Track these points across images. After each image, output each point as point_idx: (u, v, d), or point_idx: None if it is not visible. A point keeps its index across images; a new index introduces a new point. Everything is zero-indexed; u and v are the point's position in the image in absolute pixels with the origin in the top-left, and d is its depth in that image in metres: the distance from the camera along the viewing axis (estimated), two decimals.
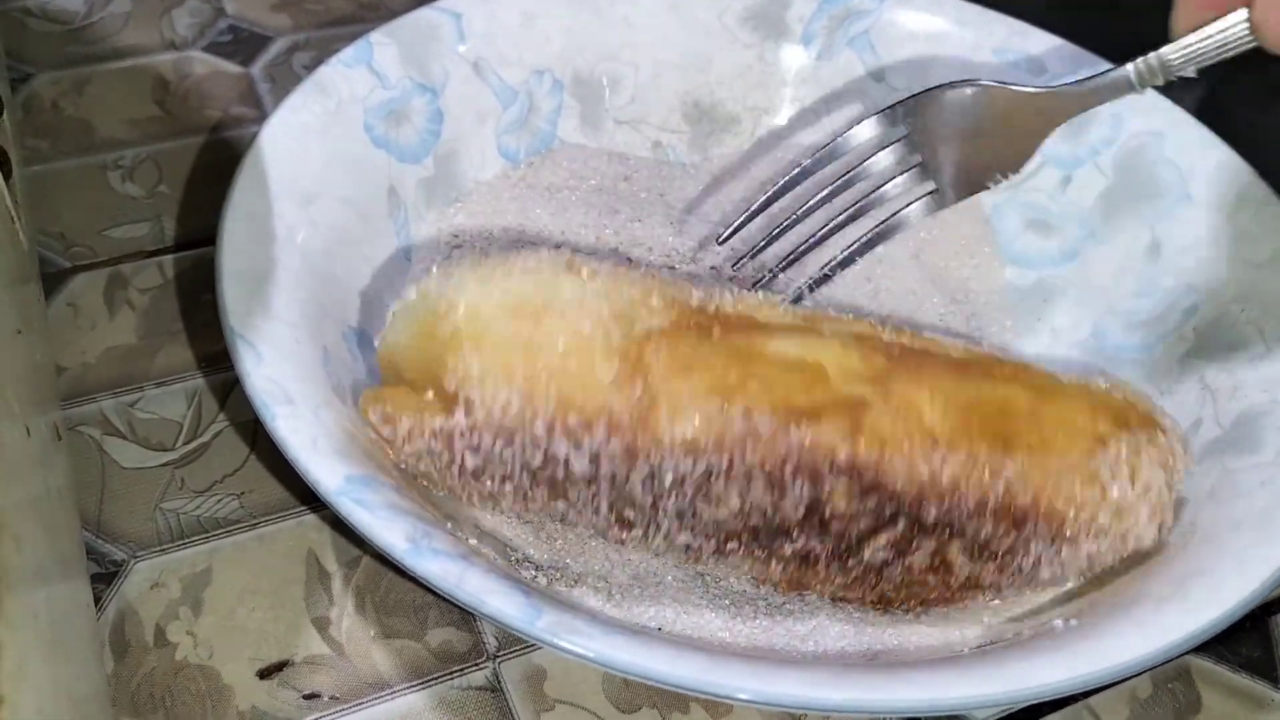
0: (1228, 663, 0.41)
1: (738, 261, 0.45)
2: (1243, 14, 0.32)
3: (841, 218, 0.39)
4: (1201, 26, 0.33)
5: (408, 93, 0.48)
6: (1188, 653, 0.40)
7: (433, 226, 0.48)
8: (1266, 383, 0.41)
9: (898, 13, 0.53)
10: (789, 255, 0.42)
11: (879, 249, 0.47)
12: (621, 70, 0.53)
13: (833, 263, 0.41)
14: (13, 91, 0.57)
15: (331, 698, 0.37)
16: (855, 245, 0.39)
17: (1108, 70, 0.37)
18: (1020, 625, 0.37)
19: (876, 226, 0.39)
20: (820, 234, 0.40)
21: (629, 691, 0.38)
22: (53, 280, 0.49)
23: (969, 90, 0.38)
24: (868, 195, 0.39)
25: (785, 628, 0.38)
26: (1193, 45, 0.34)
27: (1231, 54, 0.33)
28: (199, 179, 0.54)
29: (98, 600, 0.39)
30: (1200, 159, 0.46)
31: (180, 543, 0.41)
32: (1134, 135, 0.48)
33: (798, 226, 0.41)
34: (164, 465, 0.43)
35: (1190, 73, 0.36)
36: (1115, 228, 0.48)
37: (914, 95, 0.38)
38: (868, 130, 0.39)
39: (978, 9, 0.53)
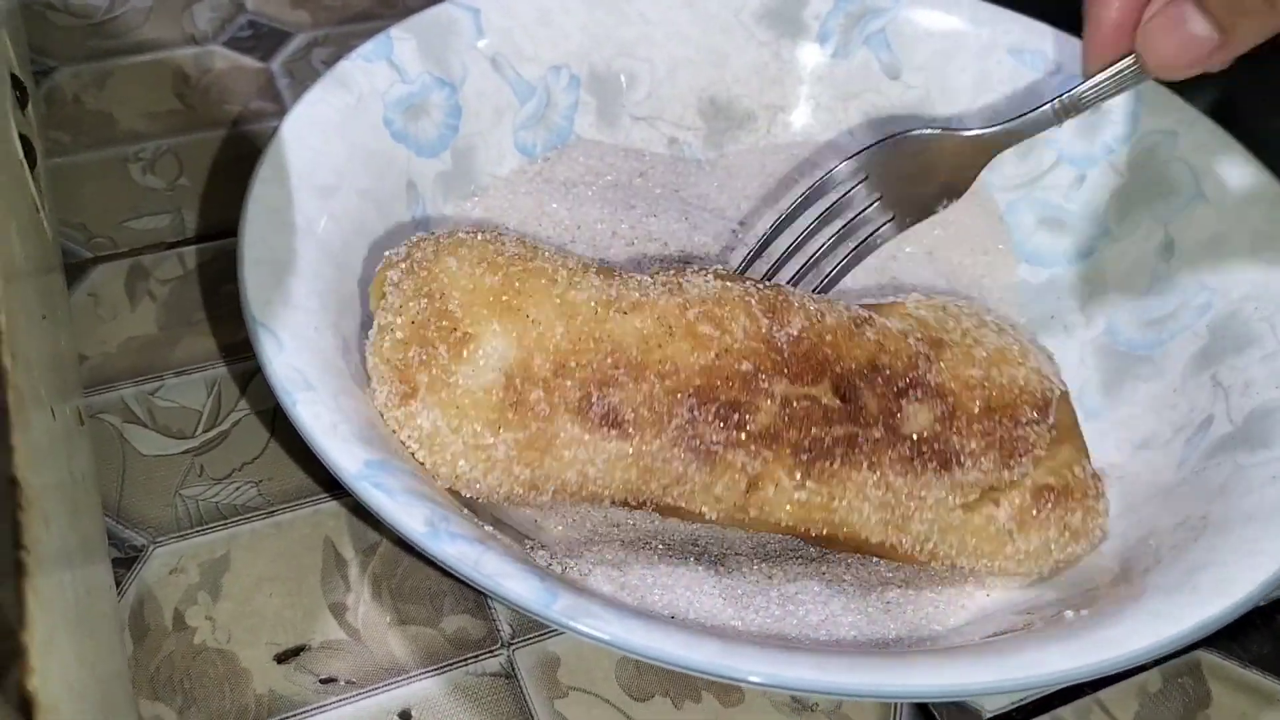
0: (1237, 658, 0.41)
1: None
2: (1134, 57, 0.41)
3: (822, 248, 0.46)
4: (1107, 68, 0.42)
5: (427, 87, 0.49)
6: (1197, 646, 0.40)
7: (450, 220, 0.49)
8: (1278, 379, 0.41)
9: (914, 11, 0.53)
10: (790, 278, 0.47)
11: (891, 247, 0.49)
12: (638, 66, 0.54)
13: (820, 284, 0.47)
14: (35, 85, 0.58)
15: (348, 682, 0.38)
16: (834, 270, 0.47)
17: (1031, 110, 0.44)
18: (1030, 617, 0.37)
19: (848, 254, 0.47)
20: (806, 264, 0.47)
21: (642, 679, 0.39)
22: (74, 271, 0.50)
23: (915, 137, 0.45)
24: (841, 229, 0.46)
25: (797, 618, 0.38)
26: (1100, 83, 0.42)
27: (1130, 87, 0.43)
28: (219, 172, 0.55)
29: (118, 584, 0.39)
30: (1213, 157, 0.47)
31: (199, 529, 0.41)
32: (1147, 134, 0.49)
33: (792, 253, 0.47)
34: (184, 453, 0.44)
35: (1100, 106, 0.44)
36: (1128, 226, 0.48)
37: (873, 144, 0.45)
38: (843, 171, 0.46)
39: (993, 8, 0.53)
